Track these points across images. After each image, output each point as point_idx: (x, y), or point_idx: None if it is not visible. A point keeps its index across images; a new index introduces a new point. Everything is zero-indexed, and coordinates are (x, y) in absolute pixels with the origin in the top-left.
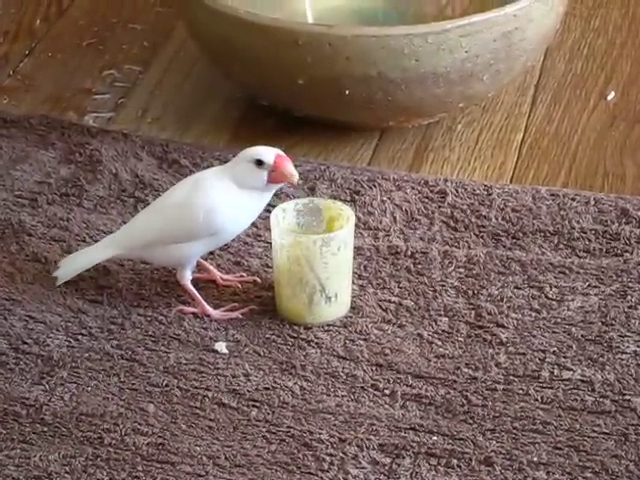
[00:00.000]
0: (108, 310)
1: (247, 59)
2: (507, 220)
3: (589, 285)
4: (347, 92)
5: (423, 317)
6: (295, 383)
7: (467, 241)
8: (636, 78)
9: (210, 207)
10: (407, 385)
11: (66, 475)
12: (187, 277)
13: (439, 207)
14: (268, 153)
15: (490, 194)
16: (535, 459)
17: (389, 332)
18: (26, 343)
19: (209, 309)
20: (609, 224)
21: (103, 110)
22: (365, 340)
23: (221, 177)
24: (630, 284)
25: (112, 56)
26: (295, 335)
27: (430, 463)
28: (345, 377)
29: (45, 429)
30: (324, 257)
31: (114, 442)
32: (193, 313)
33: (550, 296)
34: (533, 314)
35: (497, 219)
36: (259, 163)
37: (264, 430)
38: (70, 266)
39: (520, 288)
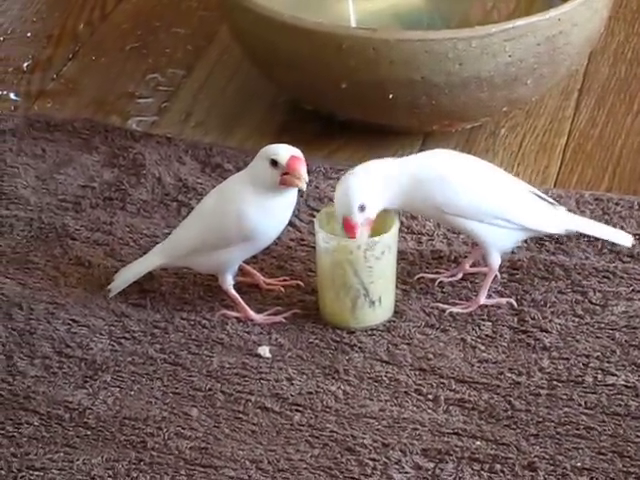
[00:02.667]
0: (151, 314)
1: (290, 63)
2: None
3: (633, 290)
4: (391, 96)
5: (466, 322)
6: (338, 387)
7: None
8: None
9: (238, 213)
10: (450, 390)
11: (109, 479)
12: (229, 282)
13: None
14: (284, 153)
15: None
16: (579, 464)
17: (432, 337)
18: (69, 347)
19: (252, 313)
20: None
21: (146, 114)
22: (408, 344)
23: (244, 181)
24: None
25: (155, 60)
26: (338, 339)
27: (473, 468)
28: (388, 381)
29: (88, 433)
30: (368, 261)
31: (157, 446)
32: (236, 317)
33: (594, 301)
34: (577, 319)
35: None
36: (274, 163)
37: (307, 434)
38: (124, 277)
39: (564, 293)
